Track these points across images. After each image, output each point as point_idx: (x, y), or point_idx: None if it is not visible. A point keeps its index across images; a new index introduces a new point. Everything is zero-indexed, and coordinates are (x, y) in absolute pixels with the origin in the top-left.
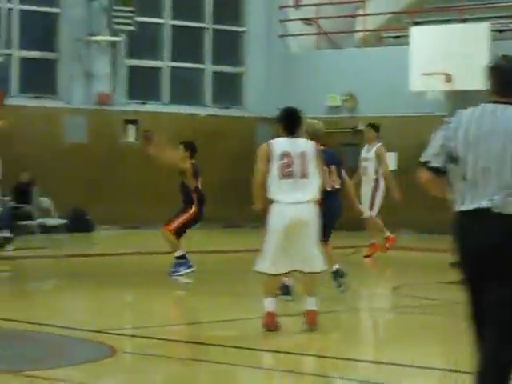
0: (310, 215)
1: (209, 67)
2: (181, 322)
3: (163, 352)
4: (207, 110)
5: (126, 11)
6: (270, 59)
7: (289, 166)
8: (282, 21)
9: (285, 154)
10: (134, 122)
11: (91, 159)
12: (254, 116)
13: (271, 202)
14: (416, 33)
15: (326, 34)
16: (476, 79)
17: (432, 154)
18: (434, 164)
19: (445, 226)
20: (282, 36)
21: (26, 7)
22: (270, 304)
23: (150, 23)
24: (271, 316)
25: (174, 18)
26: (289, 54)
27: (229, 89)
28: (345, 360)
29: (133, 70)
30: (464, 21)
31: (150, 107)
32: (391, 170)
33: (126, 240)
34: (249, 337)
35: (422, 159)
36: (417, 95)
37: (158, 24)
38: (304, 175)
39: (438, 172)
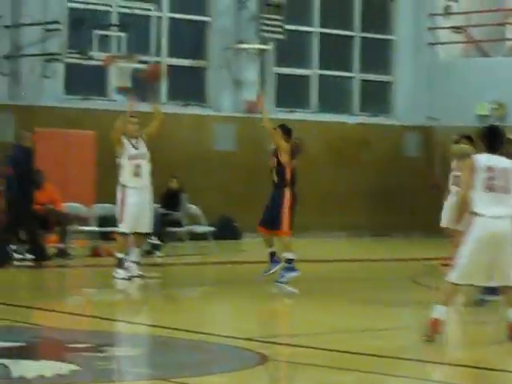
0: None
1: (357, 75)
2: (331, 330)
3: (314, 361)
4: (355, 118)
5: (275, 19)
6: (418, 67)
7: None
8: (430, 28)
9: (489, 168)
10: None
11: (239, 167)
12: (403, 124)
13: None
14: None
15: (475, 42)
16: None
17: None
18: None
19: None
20: (430, 44)
21: (175, 15)
22: (440, 311)
23: (298, 31)
24: (437, 323)
25: (323, 26)
26: (437, 62)
27: (377, 97)
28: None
29: (281, 77)
30: None
31: (298, 115)
32: None
33: None
34: (399, 347)
35: None
36: None
37: (306, 32)
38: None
39: None
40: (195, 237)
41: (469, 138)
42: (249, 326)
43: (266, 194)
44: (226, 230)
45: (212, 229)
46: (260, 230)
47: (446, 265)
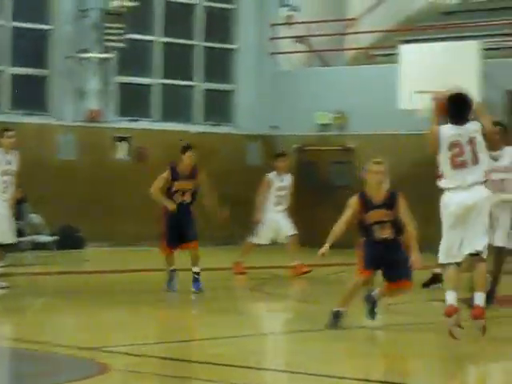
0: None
1: (200, 84)
2: (173, 339)
3: (155, 370)
4: (198, 127)
5: (117, 28)
6: (260, 77)
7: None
8: (272, 38)
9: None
10: (125, 139)
11: (82, 176)
12: (245, 133)
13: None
14: (406, 51)
15: (316, 51)
16: None
17: None
18: None
19: None
20: (272, 54)
21: (17, 24)
22: (449, 296)
23: (140, 40)
24: (451, 309)
25: (165, 35)
26: (279, 72)
27: (220, 106)
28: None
29: (124, 87)
30: (454, 39)
31: (141, 124)
32: None
33: (117, 257)
34: (241, 355)
35: None
36: (407, 113)
37: (148, 41)
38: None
39: None
40: (38, 246)
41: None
42: (90, 336)
43: (110, 203)
44: (69, 240)
45: (55, 238)
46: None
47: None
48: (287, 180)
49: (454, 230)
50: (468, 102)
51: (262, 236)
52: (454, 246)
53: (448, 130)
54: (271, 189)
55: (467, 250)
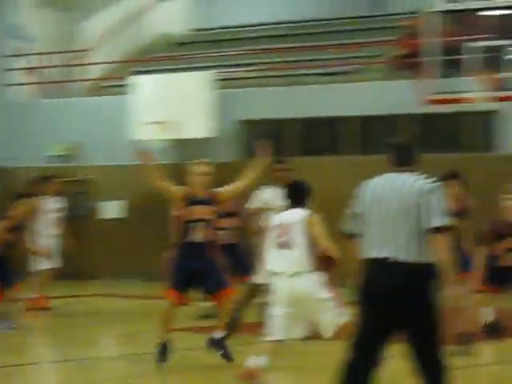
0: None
1: None
2: None
3: None
4: None
5: None
6: None
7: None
8: (6, 70)
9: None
10: None
11: None
12: None
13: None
14: (137, 82)
15: (48, 83)
16: (198, 127)
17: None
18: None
19: None
20: (7, 85)
21: None
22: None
23: None
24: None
25: None
26: (13, 104)
27: None
28: None
29: None
30: (186, 69)
31: None
32: (117, 219)
33: None
34: None
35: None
36: (138, 144)
37: None
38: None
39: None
40: None
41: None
42: None
43: None
44: None
45: None
46: None
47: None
48: (60, 202)
49: None
50: None
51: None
52: None
53: None
54: (43, 213)
55: None
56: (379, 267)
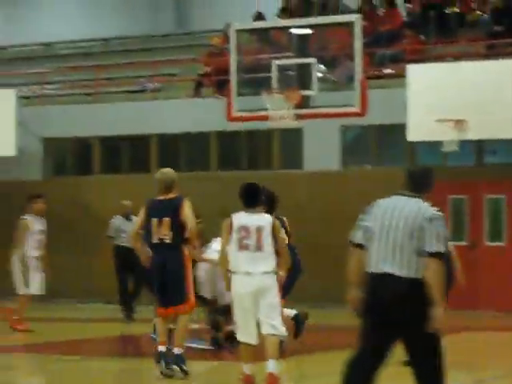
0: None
1: None
2: None
3: None
4: None
5: None
6: None
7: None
8: None
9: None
10: None
11: None
12: None
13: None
14: None
15: None
16: (2, 145)
17: (356, 234)
18: (356, 240)
19: None
20: None
21: None
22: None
23: None
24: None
25: None
26: None
27: None
28: None
29: None
30: None
31: None
32: None
33: None
34: None
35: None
36: None
37: None
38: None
39: (361, 246)
40: None
41: None
42: None
43: None
44: None
45: None
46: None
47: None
48: (44, 223)
49: None
50: None
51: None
52: None
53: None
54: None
55: None
56: (383, 280)
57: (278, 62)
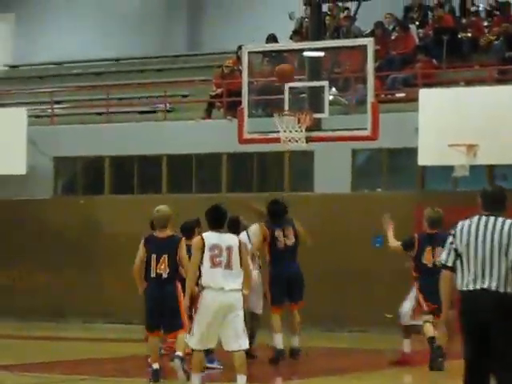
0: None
1: None
2: None
3: None
4: None
5: None
6: None
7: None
8: None
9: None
10: None
11: None
12: None
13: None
14: None
15: None
16: (13, 164)
17: (446, 256)
18: (449, 263)
19: None
20: None
21: None
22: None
23: None
24: None
25: None
26: None
27: None
28: None
29: None
30: (1, 106)
31: None
32: None
33: None
34: None
35: (441, 262)
36: None
37: None
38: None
39: (452, 269)
40: None
41: None
42: None
43: None
44: None
45: None
46: None
47: None
48: None
49: None
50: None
51: None
52: None
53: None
54: None
55: None
56: (480, 296)
57: (290, 84)
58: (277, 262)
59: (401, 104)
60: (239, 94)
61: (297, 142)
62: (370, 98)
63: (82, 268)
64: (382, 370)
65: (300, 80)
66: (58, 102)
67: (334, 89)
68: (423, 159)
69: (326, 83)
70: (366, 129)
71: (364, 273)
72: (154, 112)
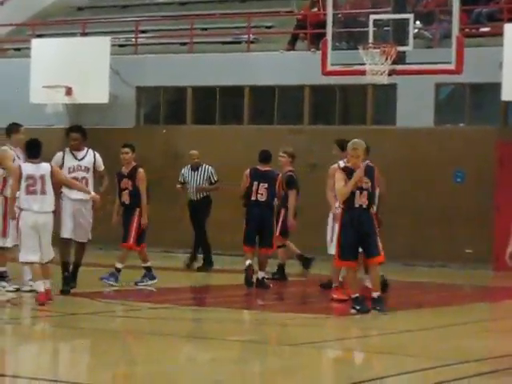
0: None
1: None
2: None
3: None
4: None
5: None
6: None
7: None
8: None
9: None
10: None
11: None
12: None
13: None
14: (37, 45)
15: None
16: (96, 92)
17: None
18: None
19: None
20: None
21: None
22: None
23: None
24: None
25: None
26: None
27: None
28: None
29: None
30: (86, 34)
31: None
32: None
33: None
34: None
35: None
36: (38, 107)
37: None
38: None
39: None
40: None
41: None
42: None
43: None
44: None
45: None
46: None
47: None
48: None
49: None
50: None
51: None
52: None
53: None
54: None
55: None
56: None
57: (374, 16)
58: None
59: (485, 38)
60: (323, 26)
61: (381, 75)
62: (455, 32)
63: (160, 197)
64: (461, 304)
65: (385, 13)
66: (142, 32)
67: (418, 22)
68: (507, 94)
69: (410, 16)
70: (450, 62)
71: (445, 208)
72: (238, 43)
